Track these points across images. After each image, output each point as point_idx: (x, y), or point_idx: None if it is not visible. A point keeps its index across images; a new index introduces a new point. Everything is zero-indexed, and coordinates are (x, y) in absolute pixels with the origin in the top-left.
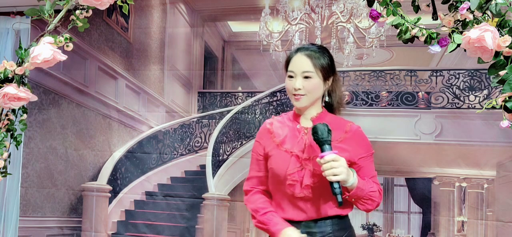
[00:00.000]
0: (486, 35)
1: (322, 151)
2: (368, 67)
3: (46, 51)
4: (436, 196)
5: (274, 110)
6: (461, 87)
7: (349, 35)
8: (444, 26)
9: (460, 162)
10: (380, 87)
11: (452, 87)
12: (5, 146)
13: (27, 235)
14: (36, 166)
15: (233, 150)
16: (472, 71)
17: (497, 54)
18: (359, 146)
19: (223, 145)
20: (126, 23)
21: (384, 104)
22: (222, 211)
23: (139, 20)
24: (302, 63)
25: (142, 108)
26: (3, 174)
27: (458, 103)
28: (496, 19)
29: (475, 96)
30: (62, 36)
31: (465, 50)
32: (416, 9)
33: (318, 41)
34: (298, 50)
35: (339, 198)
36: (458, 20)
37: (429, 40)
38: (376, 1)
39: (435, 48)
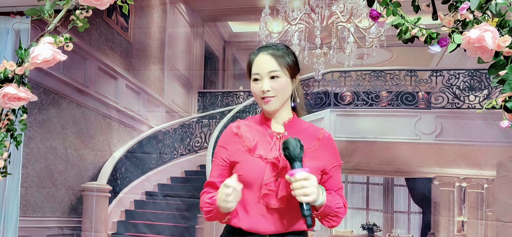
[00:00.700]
0: (486, 35)
1: (292, 167)
2: (368, 67)
3: (46, 51)
4: (436, 196)
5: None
6: (461, 87)
7: (349, 35)
8: (444, 26)
9: (460, 162)
10: (380, 87)
11: (452, 87)
12: (5, 146)
13: (27, 235)
14: (36, 166)
15: None
16: (472, 71)
17: (497, 54)
18: (331, 155)
19: None
20: (126, 23)
21: (384, 104)
22: None
23: (139, 20)
24: (266, 63)
25: (142, 108)
26: (3, 174)
27: (458, 103)
28: (496, 19)
29: (475, 96)
30: (62, 36)
31: (465, 50)
32: (416, 9)
33: (318, 41)
34: (260, 49)
35: (309, 220)
36: (458, 20)
37: (429, 40)
38: (376, 1)
39: (435, 48)
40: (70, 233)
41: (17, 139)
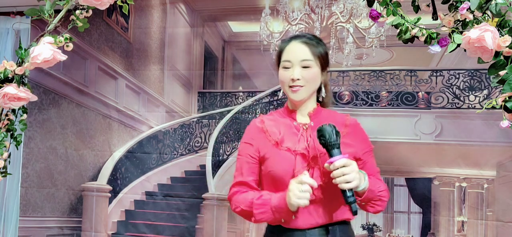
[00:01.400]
0: (486, 35)
1: (330, 155)
2: (368, 67)
3: (46, 51)
4: (436, 196)
5: (274, 109)
6: (461, 87)
7: (348, 35)
8: (444, 26)
9: (460, 162)
10: (380, 87)
11: (452, 87)
12: (5, 146)
13: (27, 235)
14: (36, 166)
15: (233, 150)
16: (472, 71)
17: (497, 54)
18: (362, 141)
19: (223, 145)
20: (126, 23)
21: (384, 104)
22: (222, 211)
23: (139, 20)
24: (299, 51)
25: (142, 108)
26: (3, 174)
27: (458, 103)
28: (496, 19)
29: (475, 96)
30: (62, 36)
31: (465, 50)
32: (416, 9)
33: None
34: (293, 38)
35: (354, 207)
36: (458, 20)
37: (429, 40)
38: (376, 1)
39: (435, 48)
40: (70, 233)
41: (17, 139)
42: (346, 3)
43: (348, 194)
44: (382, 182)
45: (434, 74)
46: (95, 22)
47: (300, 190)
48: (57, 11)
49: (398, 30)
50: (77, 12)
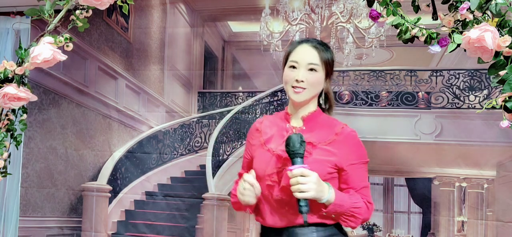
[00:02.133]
0: (486, 35)
1: (292, 163)
2: (368, 67)
3: (46, 51)
4: (436, 196)
5: (274, 110)
6: (461, 87)
7: (348, 35)
8: (444, 26)
9: (460, 162)
10: (380, 87)
11: (452, 87)
12: (5, 146)
13: (27, 235)
14: (36, 166)
15: (233, 150)
16: (472, 71)
17: (497, 54)
18: (350, 152)
19: (223, 145)
20: (126, 23)
21: (384, 104)
22: (222, 211)
23: (139, 20)
24: (308, 54)
25: (142, 108)
26: (3, 174)
27: (458, 103)
28: (496, 19)
29: (475, 96)
30: (62, 36)
31: (465, 50)
32: (416, 9)
33: None
34: (303, 41)
35: (305, 217)
36: (458, 20)
37: (429, 40)
38: (376, 1)
39: (435, 48)
40: (70, 233)
41: (17, 139)
42: (346, 3)
43: (301, 203)
44: (365, 198)
45: (434, 74)
46: (95, 22)
47: (243, 187)
48: (57, 11)
49: (398, 30)
50: (77, 12)
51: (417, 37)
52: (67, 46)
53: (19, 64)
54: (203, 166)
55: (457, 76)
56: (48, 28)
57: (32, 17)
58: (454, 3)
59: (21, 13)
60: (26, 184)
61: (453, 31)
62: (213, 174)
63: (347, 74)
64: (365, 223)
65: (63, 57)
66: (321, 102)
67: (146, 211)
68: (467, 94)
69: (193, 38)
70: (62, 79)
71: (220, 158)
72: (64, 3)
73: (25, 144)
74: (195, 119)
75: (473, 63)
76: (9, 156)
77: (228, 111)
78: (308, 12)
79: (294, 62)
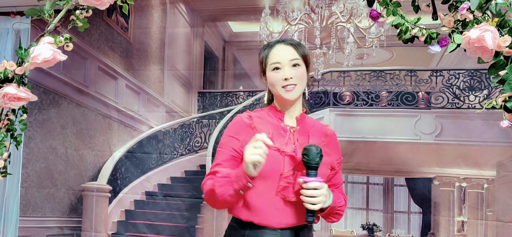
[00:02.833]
0: (486, 35)
1: (307, 174)
2: (368, 67)
3: (46, 51)
4: (436, 196)
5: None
6: (461, 87)
7: (349, 35)
8: (444, 26)
9: (460, 162)
10: (380, 87)
11: (452, 87)
12: (5, 146)
13: (27, 235)
14: (36, 166)
15: None
16: (472, 71)
17: (497, 54)
18: (337, 151)
19: None
20: (126, 23)
21: (384, 104)
22: (222, 211)
23: (139, 20)
24: (287, 51)
25: (142, 108)
26: (3, 174)
27: (458, 103)
28: (496, 19)
29: (475, 96)
30: (62, 36)
31: (465, 50)
32: (416, 9)
33: (317, 41)
34: (275, 43)
35: (310, 225)
36: (458, 20)
37: (429, 40)
38: (376, 1)
39: (435, 48)
40: (70, 233)
41: (17, 139)
42: (346, 3)
43: (310, 213)
44: (343, 194)
45: (434, 74)
46: (95, 22)
47: (254, 146)
48: (57, 11)
49: (398, 30)
50: (77, 12)
51: (417, 37)
52: (67, 46)
53: (19, 64)
54: (203, 166)
55: (457, 76)
56: (48, 28)
57: (32, 17)
58: (454, 3)
59: (21, 13)
60: (26, 184)
61: (453, 31)
62: None
63: (348, 75)
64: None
65: (63, 57)
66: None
67: (146, 211)
68: (467, 94)
69: (193, 38)
70: (62, 79)
71: None
72: (64, 3)
73: (25, 144)
74: (195, 119)
75: (473, 63)
76: (9, 156)
77: (228, 111)
78: (308, 12)
79: (276, 63)
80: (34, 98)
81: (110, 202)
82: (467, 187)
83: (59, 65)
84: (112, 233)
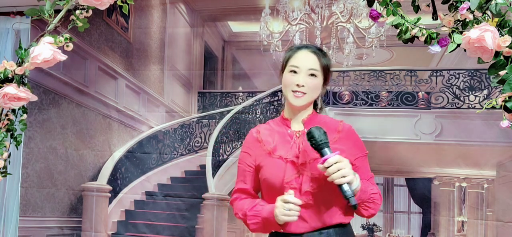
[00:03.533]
0: (486, 35)
1: (321, 155)
2: (368, 67)
3: (46, 51)
4: (436, 196)
5: (275, 110)
6: (461, 87)
7: (349, 35)
8: (444, 26)
9: (460, 162)
10: (380, 87)
11: (452, 87)
12: (5, 146)
13: (27, 235)
14: (36, 166)
15: (233, 150)
16: (472, 71)
17: (497, 54)
18: (354, 146)
19: (223, 145)
20: (126, 23)
21: (384, 104)
22: (222, 211)
23: (139, 20)
24: (309, 59)
25: (142, 108)
26: (3, 174)
27: (458, 103)
28: (496, 19)
29: (475, 96)
30: (62, 36)
31: (465, 50)
32: (416, 9)
33: (318, 41)
34: (303, 47)
35: (353, 200)
36: (458, 20)
37: (429, 40)
38: (376, 1)
39: (435, 48)
40: (70, 233)
41: (17, 139)
42: (346, 3)
43: (345, 188)
44: (375, 186)
45: (434, 74)
46: (95, 22)
47: (285, 208)
48: (57, 11)
49: (398, 30)
50: (77, 12)
51: (417, 37)
52: (67, 46)
53: (19, 64)
54: (203, 166)
55: (457, 76)
56: (48, 28)
57: (32, 17)
58: (454, 3)
59: (21, 13)
60: (26, 184)
61: (453, 31)
62: (213, 174)
63: (348, 74)
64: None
65: (63, 57)
66: (317, 103)
67: (146, 211)
68: (467, 94)
69: (193, 38)
70: (62, 79)
71: (220, 158)
72: (64, 3)
73: (25, 144)
74: (195, 119)
75: (473, 63)
76: (9, 156)
77: (228, 111)
78: (308, 12)
79: (295, 67)
80: (34, 98)
81: (110, 202)
82: (467, 187)
83: (59, 65)
84: (112, 233)
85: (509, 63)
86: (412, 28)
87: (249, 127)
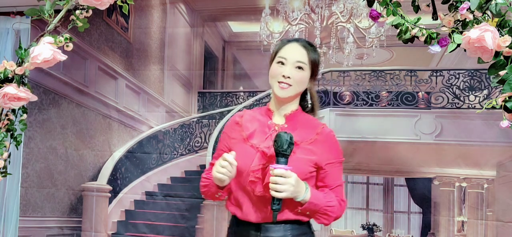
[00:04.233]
0: (486, 35)
1: (276, 161)
2: (368, 67)
3: (46, 51)
4: (436, 196)
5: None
6: (461, 87)
7: (349, 35)
8: (444, 26)
9: (460, 162)
10: (380, 87)
11: (452, 87)
12: (5, 146)
13: (27, 235)
14: (36, 166)
15: None
16: (472, 71)
17: (497, 54)
18: (328, 151)
19: None
20: (126, 23)
21: (384, 104)
22: (222, 211)
23: (139, 20)
24: (297, 52)
25: (142, 108)
26: (3, 174)
27: (458, 103)
28: (496, 19)
29: (475, 96)
30: (62, 36)
31: (465, 50)
32: (416, 9)
33: (317, 42)
34: (292, 40)
35: (275, 215)
36: (458, 20)
37: (429, 40)
38: (376, 1)
39: (435, 48)
40: (70, 233)
41: (17, 139)
42: (346, 3)
43: (274, 201)
44: (339, 196)
45: (434, 74)
46: (95, 22)
47: (220, 164)
48: (57, 11)
49: (398, 30)
50: (77, 12)
51: (417, 37)
52: (67, 46)
53: (19, 64)
54: (203, 166)
55: (457, 76)
56: (48, 28)
57: (32, 17)
58: (454, 3)
59: (21, 13)
60: (26, 184)
61: (453, 31)
62: None
63: (348, 74)
64: (365, 224)
65: (63, 57)
66: (307, 101)
67: (146, 211)
68: (467, 94)
69: (193, 38)
70: (62, 79)
71: None
72: (64, 3)
73: (25, 144)
74: (195, 119)
75: (473, 63)
76: (9, 156)
77: (228, 111)
78: (308, 12)
79: (283, 58)
80: (34, 98)
81: (110, 202)
82: (467, 187)
83: (59, 65)
84: (112, 233)
85: (509, 63)
86: (412, 28)
87: None
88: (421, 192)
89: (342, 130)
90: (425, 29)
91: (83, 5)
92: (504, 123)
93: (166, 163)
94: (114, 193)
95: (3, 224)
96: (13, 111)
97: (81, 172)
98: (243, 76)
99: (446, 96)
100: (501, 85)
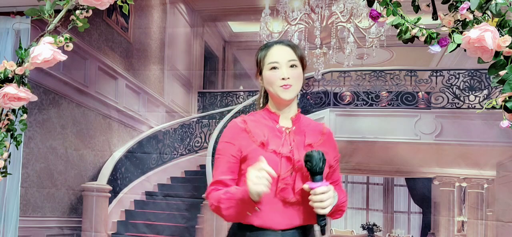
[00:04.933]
0: (486, 35)
1: (313, 180)
2: (368, 67)
3: (46, 51)
4: (436, 196)
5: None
6: (461, 87)
7: (349, 35)
8: (444, 26)
9: (460, 162)
10: (380, 87)
11: (452, 87)
12: (5, 146)
13: (27, 235)
14: (36, 166)
15: None
16: (472, 71)
17: (497, 54)
18: (334, 149)
19: None
20: (126, 23)
21: (384, 104)
22: None
23: (139, 20)
24: (285, 52)
25: (142, 108)
26: (3, 174)
27: (458, 103)
28: (496, 19)
29: (475, 96)
30: (62, 36)
31: (465, 50)
32: (416, 9)
33: (317, 41)
34: (274, 43)
35: (324, 230)
36: (458, 20)
37: (429, 40)
38: (376, 1)
39: (435, 48)
40: (70, 233)
41: (17, 139)
42: (346, 3)
43: (321, 218)
44: (343, 191)
45: (434, 74)
46: (95, 22)
47: (257, 176)
48: (57, 11)
49: (398, 30)
50: (77, 12)
51: (417, 37)
52: (67, 46)
53: (19, 64)
54: (203, 166)
55: (457, 76)
56: (48, 28)
57: (32, 17)
58: (454, 3)
59: (21, 13)
60: (26, 184)
61: (453, 31)
62: None
63: (349, 74)
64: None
65: (63, 57)
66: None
67: (146, 211)
68: (467, 94)
69: (193, 38)
70: (62, 79)
71: None
72: (64, 3)
73: (25, 144)
74: (195, 119)
75: (473, 63)
76: (9, 156)
77: (228, 111)
78: (308, 12)
79: (275, 62)
80: (34, 98)
81: (110, 202)
82: (467, 187)
83: (59, 65)
84: (112, 233)
85: (509, 63)
86: (412, 28)
87: None
88: (421, 192)
89: (342, 130)
90: (425, 29)
91: (83, 5)
92: (504, 123)
93: (166, 163)
94: (114, 193)
95: (3, 224)
96: (13, 111)
97: (81, 172)
98: (243, 76)
99: (446, 96)
100: (501, 85)
